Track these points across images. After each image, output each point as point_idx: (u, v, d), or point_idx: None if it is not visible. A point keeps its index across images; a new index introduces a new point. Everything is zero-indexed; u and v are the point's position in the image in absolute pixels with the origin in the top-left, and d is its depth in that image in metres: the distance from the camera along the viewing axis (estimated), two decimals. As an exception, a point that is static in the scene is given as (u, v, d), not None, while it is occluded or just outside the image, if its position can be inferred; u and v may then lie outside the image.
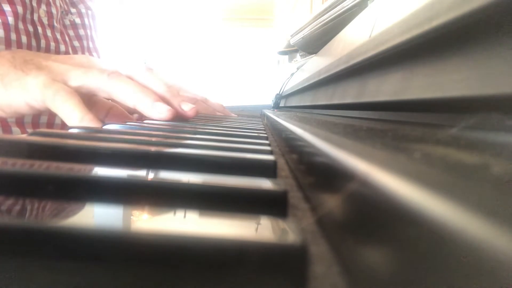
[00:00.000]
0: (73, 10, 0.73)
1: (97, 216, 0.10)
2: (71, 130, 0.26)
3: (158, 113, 0.40)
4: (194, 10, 3.63)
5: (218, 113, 0.77)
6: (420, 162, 0.09)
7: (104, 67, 0.44)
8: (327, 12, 0.60)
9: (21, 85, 0.41)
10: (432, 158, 0.09)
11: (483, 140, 0.12)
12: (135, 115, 0.53)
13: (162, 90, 0.43)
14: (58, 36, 0.67)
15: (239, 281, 0.08)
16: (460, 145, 0.11)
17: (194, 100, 0.73)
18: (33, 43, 0.62)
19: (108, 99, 0.46)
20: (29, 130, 0.61)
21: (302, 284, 0.08)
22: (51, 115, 0.64)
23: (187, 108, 0.45)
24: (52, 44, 0.65)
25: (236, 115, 0.82)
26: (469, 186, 0.07)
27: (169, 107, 0.41)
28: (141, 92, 0.40)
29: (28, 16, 0.62)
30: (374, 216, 0.08)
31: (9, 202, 0.10)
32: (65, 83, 0.40)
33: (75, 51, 0.72)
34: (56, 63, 0.43)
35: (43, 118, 0.63)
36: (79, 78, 0.40)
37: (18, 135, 0.57)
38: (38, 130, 0.23)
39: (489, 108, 0.12)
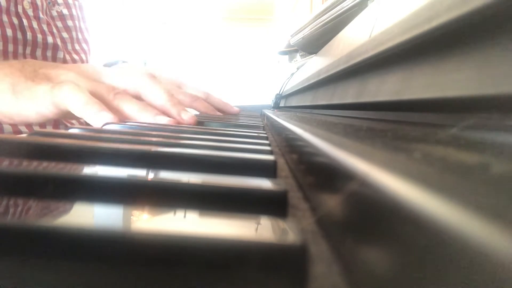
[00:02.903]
0: (60, 0, 0.73)
1: (97, 216, 0.10)
2: (71, 130, 0.26)
3: None
4: (194, 9, 3.63)
5: (219, 113, 0.77)
6: (420, 162, 0.09)
7: (108, 79, 0.48)
8: (327, 12, 0.60)
9: (31, 94, 0.42)
10: (432, 158, 0.09)
11: (483, 140, 0.12)
12: None
13: (163, 101, 0.48)
14: (45, 28, 0.66)
15: (239, 281, 0.08)
16: (460, 145, 0.11)
17: (195, 98, 0.73)
18: (19, 36, 0.62)
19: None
20: (21, 128, 0.61)
21: (302, 284, 0.08)
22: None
23: (186, 117, 0.48)
24: (39, 36, 0.65)
25: (239, 110, 0.82)
26: (469, 186, 0.07)
27: (168, 119, 0.44)
28: (142, 110, 0.44)
29: (12, 8, 0.61)
30: (374, 216, 0.08)
31: (9, 202, 0.10)
32: None
33: (64, 43, 0.71)
34: (63, 71, 0.45)
35: None
36: (87, 88, 0.43)
37: (12, 133, 0.57)
38: (38, 130, 0.23)
39: (489, 108, 0.12)
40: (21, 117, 0.45)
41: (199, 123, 0.48)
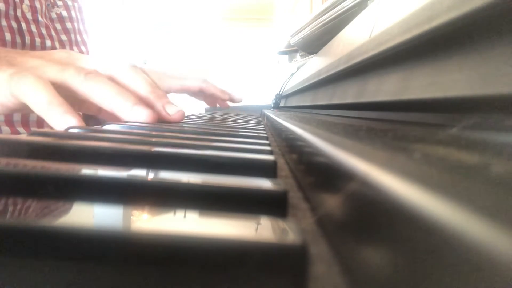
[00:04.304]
0: (59, 2, 0.72)
1: (97, 216, 0.10)
2: (71, 130, 0.26)
3: (136, 118, 0.36)
4: (194, 9, 3.63)
5: (226, 96, 0.77)
6: (420, 162, 0.09)
7: (83, 64, 0.40)
8: (327, 12, 0.60)
9: None
10: (432, 158, 0.09)
11: (483, 140, 0.12)
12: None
13: (145, 91, 0.40)
14: (44, 31, 0.66)
15: (239, 281, 0.08)
16: (460, 145, 0.11)
17: (203, 80, 0.72)
18: (18, 39, 0.61)
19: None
20: (19, 129, 0.60)
21: (302, 284, 0.08)
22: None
23: (172, 111, 0.41)
24: (38, 39, 0.64)
25: (241, 99, 0.83)
26: (469, 186, 0.07)
27: (149, 111, 0.37)
28: (119, 95, 0.36)
29: (11, 12, 0.61)
30: (374, 216, 0.08)
31: (9, 202, 0.10)
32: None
33: (62, 45, 0.71)
34: (31, 59, 0.40)
35: (33, 116, 0.62)
36: (53, 75, 0.37)
37: (10, 134, 0.56)
38: (37, 130, 0.23)
39: (489, 108, 0.12)
40: None
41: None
